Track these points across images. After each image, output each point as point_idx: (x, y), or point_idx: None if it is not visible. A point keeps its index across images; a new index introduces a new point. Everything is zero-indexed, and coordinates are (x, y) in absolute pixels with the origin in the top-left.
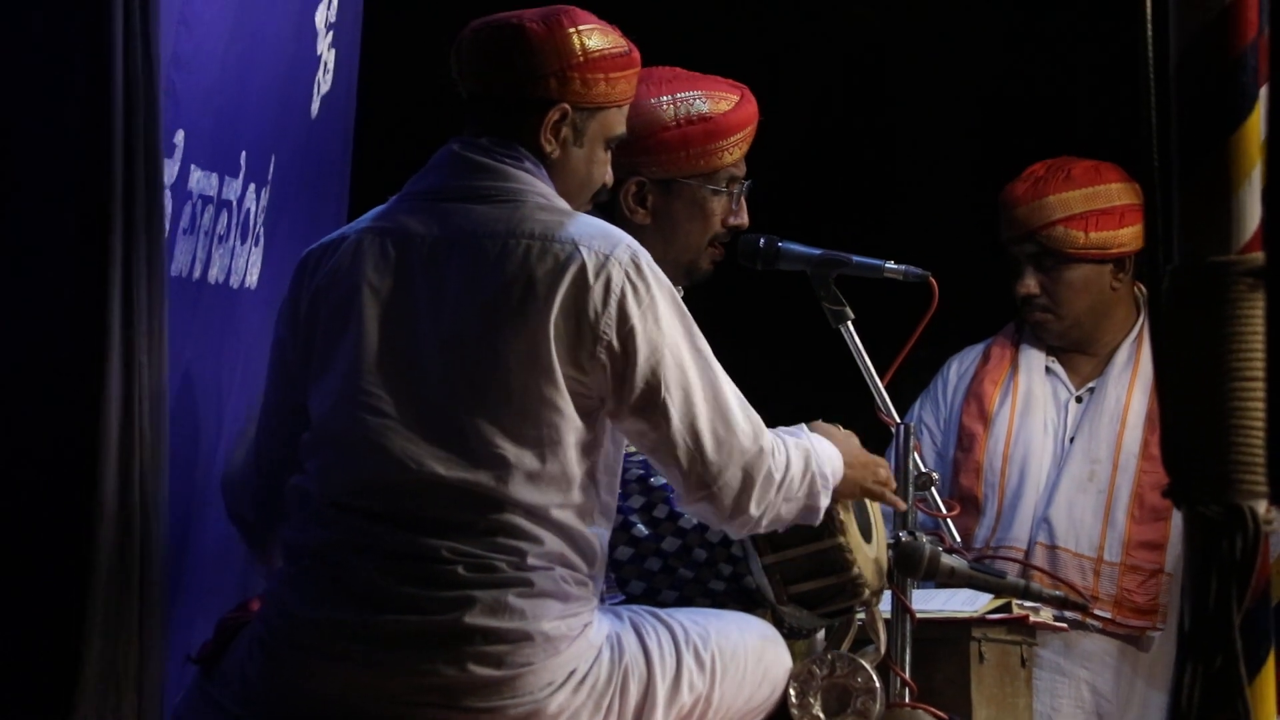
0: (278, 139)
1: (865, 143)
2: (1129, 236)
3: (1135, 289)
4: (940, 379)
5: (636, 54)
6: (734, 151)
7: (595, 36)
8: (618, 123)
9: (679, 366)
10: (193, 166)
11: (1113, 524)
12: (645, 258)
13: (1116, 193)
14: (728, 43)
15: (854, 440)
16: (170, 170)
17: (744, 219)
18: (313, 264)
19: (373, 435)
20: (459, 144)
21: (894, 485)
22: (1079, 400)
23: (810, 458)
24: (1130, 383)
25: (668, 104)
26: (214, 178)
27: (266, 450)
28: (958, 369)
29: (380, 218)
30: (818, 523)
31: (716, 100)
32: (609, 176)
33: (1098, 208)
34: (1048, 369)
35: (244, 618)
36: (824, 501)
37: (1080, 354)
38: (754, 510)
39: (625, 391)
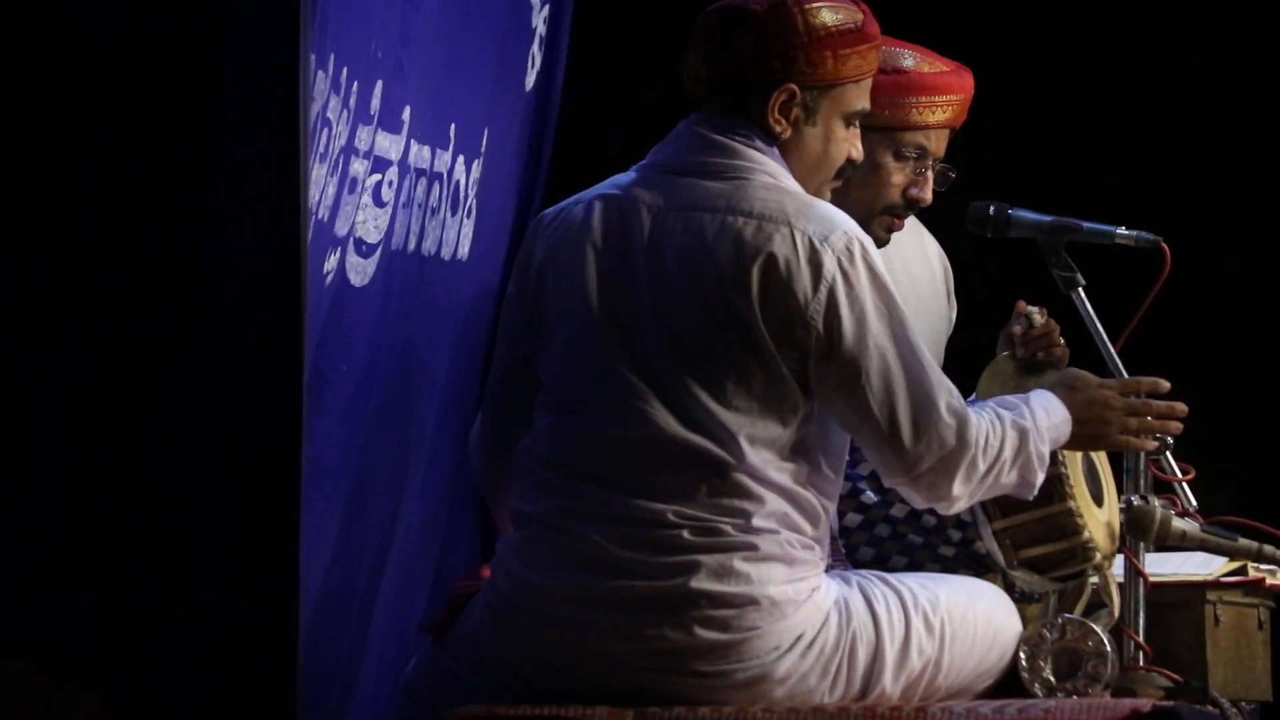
0: (491, 111)
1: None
2: None
3: None
4: None
5: (873, 27)
6: (924, 113)
7: (823, 14)
8: (856, 98)
9: (881, 357)
10: (412, 141)
11: None
12: (860, 245)
13: None
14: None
15: (1099, 392)
16: (396, 146)
17: (926, 194)
18: (547, 226)
19: (598, 393)
20: (695, 120)
21: (1152, 427)
22: None
23: (1028, 438)
24: None
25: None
26: (426, 150)
27: (497, 410)
28: None
29: (615, 186)
30: (1031, 498)
31: (924, 62)
32: (856, 152)
33: None
34: None
35: (476, 585)
36: (1038, 479)
37: None
38: (954, 497)
39: (828, 374)
